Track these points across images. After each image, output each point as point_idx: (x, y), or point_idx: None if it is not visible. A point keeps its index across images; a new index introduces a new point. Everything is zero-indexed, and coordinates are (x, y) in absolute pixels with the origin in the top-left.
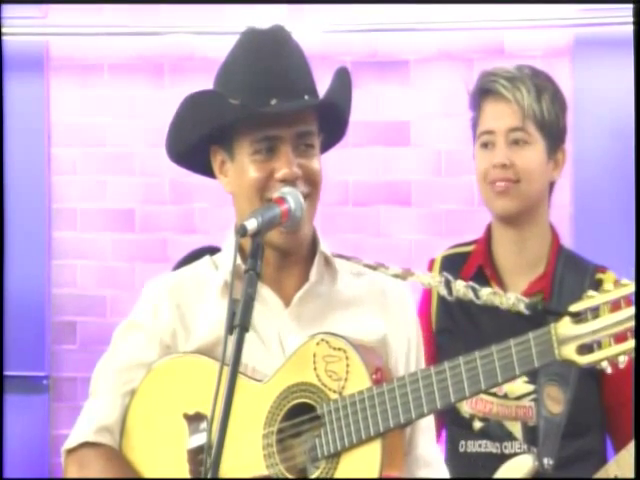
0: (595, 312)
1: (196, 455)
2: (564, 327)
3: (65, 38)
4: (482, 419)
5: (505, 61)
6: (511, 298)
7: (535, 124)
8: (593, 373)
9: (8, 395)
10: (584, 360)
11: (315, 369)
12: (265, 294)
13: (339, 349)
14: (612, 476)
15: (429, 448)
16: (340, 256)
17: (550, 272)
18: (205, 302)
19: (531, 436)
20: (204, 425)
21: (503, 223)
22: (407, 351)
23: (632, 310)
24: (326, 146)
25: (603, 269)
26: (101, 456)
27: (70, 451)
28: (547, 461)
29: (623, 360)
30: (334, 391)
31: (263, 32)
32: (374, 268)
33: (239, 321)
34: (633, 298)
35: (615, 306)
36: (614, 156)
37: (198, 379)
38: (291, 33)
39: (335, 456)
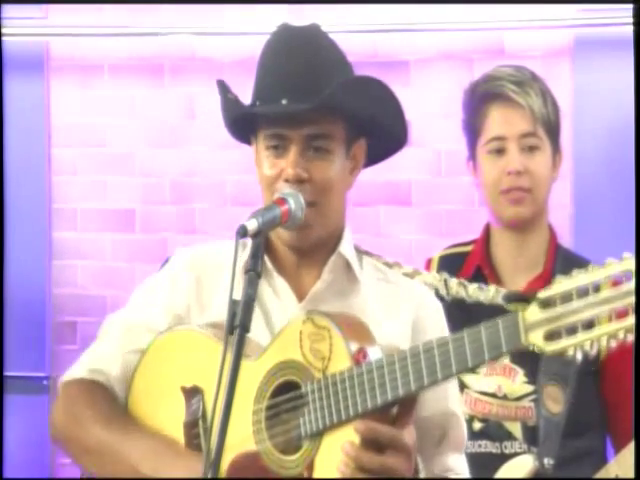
0: (565, 298)
1: (191, 428)
2: (531, 313)
3: (65, 38)
4: (481, 420)
5: (505, 61)
6: (490, 291)
7: (544, 128)
8: (592, 372)
9: (8, 395)
10: (551, 347)
11: (301, 347)
12: (280, 286)
13: (323, 327)
14: (613, 476)
15: (455, 460)
16: (366, 253)
17: (548, 271)
18: (225, 282)
19: (531, 436)
20: (200, 400)
21: (509, 227)
22: None
23: (600, 296)
24: (379, 153)
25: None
26: (88, 390)
27: (64, 384)
28: (547, 461)
29: (589, 348)
30: (318, 370)
31: (294, 30)
32: (390, 266)
33: (239, 322)
34: (601, 284)
35: (583, 292)
36: (614, 156)
37: (200, 355)
38: (326, 34)
39: (318, 435)
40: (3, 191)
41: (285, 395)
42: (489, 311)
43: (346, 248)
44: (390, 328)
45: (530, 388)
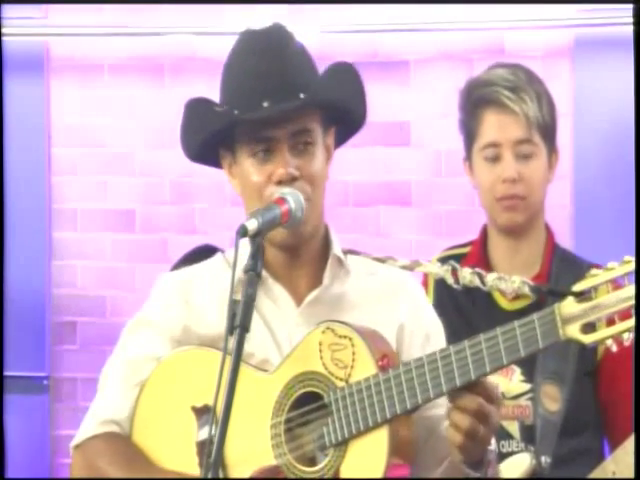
0: (599, 290)
1: (204, 447)
2: (568, 306)
3: (65, 38)
4: None
5: (506, 62)
6: (516, 281)
7: (539, 132)
8: (589, 371)
9: (8, 395)
10: (589, 339)
11: (321, 358)
12: (277, 292)
13: (344, 337)
14: (610, 473)
15: None
16: (351, 252)
17: (545, 271)
18: (215, 298)
19: (528, 435)
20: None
21: (504, 231)
22: (423, 344)
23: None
24: (343, 137)
25: (598, 267)
26: (107, 440)
27: (77, 447)
28: (545, 459)
29: (628, 337)
30: (341, 379)
31: (258, 33)
32: (383, 261)
33: (239, 322)
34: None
35: (619, 284)
36: (614, 156)
37: (206, 372)
38: (289, 31)
39: (343, 444)
40: (3, 191)
41: (306, 407)
42: (481, 312)
43: (338, 249)
44: (386, 319)
45: (527, 387)
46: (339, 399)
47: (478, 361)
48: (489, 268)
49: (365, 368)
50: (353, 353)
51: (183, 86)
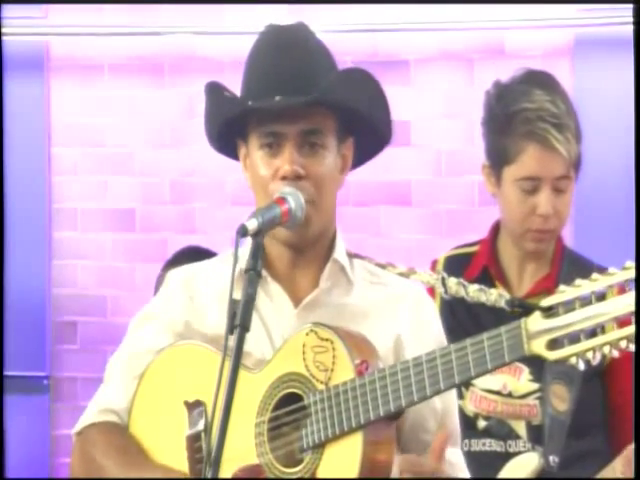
0: (568, 307)
1: (193, 442)
2: (534, 322)
3: (65, 38)
4: (486, 418)
5: (506, 61)
6: (493, 294)
7: (575, 167)
8: (599, 373)
9: (8, 395)
10: (553, 356)
11: (304, 359)
12: (275, 292)
13: (326, 339)
14: (619, 473)
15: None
16: (356, 255)
17: (555, 272)
18: (219, 296)
19: (535, 435)
20: (202, 413)
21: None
22: None
23: (602, 306)
24: (364, 153)
25: (604, 269)
26: (103, 431)
27: (77, 434)
28: (553, 459)
29: (592, 357)
30: (321, 382)
31: (281, 29)
32: (383, 267)
33: (239, 321)
34: (605, 293)
35: (587, 301)
36: (614, 156)
37: (201, 368)
38: (312, 31)
39: (320, 446)
40: (3, 191)
41: (287, 407)
42: (489, 308)
43: (340, 254)
44: (385, 331)
45: (535, 386)
46: (318, 402)
47: (447, 371)
48: (499, 268)
49: (344, 372)
50: (333, 356)
51: (183, 86)
